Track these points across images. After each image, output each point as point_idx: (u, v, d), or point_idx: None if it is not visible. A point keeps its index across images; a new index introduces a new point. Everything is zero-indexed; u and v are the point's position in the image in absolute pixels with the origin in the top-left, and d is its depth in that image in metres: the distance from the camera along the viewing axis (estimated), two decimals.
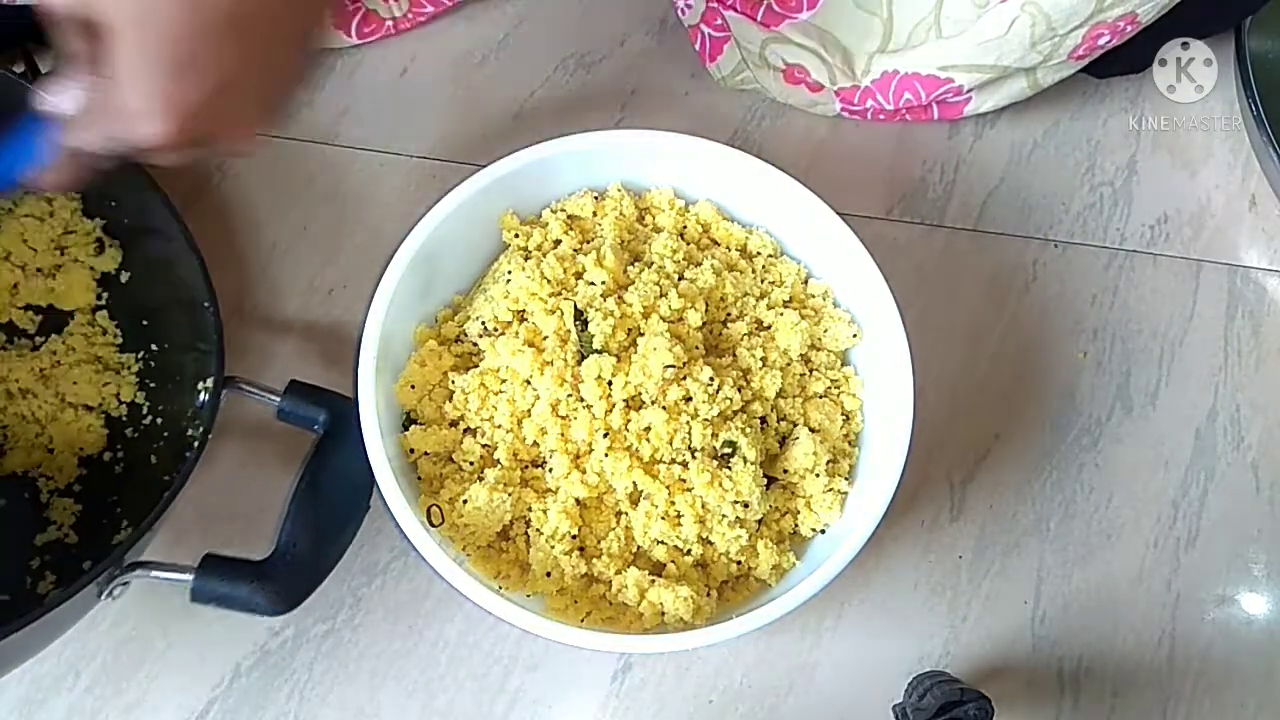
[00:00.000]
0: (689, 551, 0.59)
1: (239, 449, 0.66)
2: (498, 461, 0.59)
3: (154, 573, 0.54)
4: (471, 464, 0.60)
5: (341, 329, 0.68)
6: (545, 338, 0.59)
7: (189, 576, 0.54)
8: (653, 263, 0.62)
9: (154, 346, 0.63)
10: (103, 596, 0.54)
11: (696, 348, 0.61)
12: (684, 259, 0.63)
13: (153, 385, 0.63)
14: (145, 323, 0.64)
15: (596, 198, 0.65)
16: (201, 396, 0.59)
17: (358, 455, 0.57)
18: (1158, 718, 0.65)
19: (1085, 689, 0.65)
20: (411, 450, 0.60)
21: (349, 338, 0.67)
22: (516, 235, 0.64)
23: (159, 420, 0.62)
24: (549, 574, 0.58)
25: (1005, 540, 0.68)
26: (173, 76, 0.44)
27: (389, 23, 0.75)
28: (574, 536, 0.58)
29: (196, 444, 0.57)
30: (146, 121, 0.45)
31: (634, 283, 0.61)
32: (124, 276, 0.64)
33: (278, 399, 0.60)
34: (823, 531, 0.61)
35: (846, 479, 0.61)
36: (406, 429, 0.60)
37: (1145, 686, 0.65)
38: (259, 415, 0.61)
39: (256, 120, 0.49)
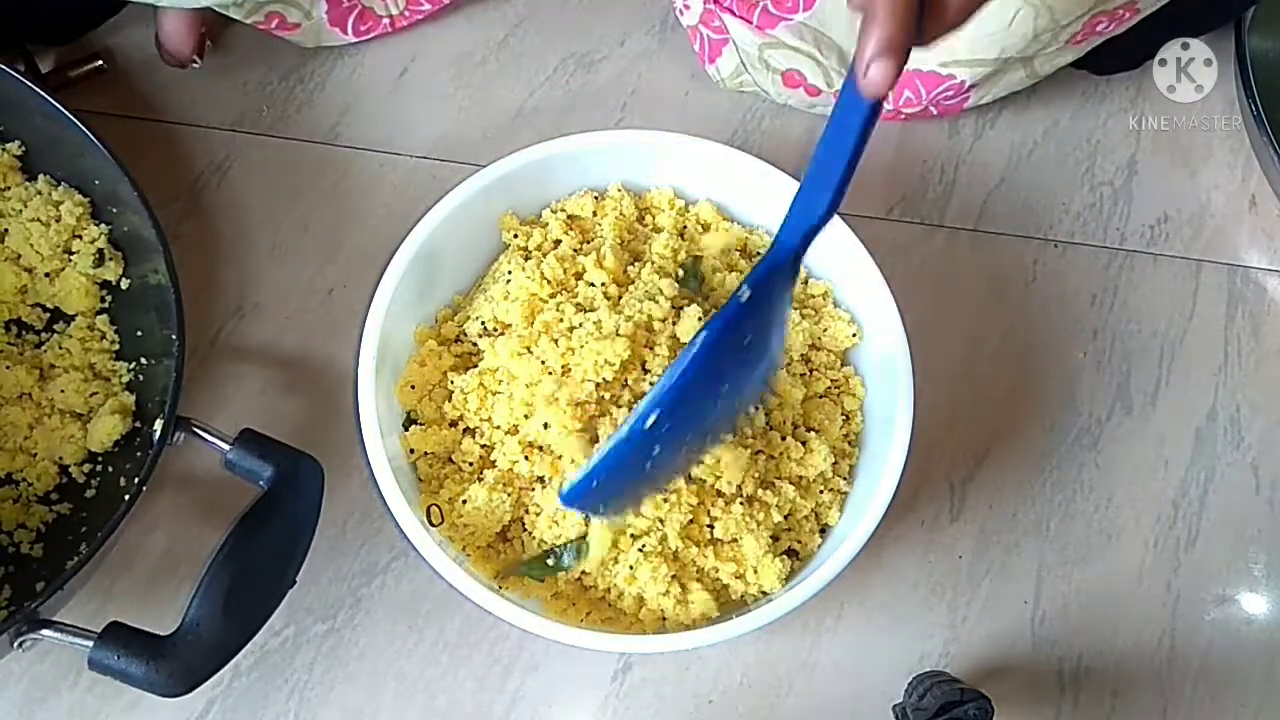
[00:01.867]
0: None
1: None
2: (495, 462, 0.59)
3: (58, 635, 0.51)
4: (471, 464, 0.60)
5: (339, 333, 0.68)
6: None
7: (89, 644, 0.51)
8: (653, 262, 0.62)
9: (143, 360, 0.62)
10: (15, 647, 0.52)
11: None
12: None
13: (137, 400, 0.61)
14: (139, 333, 0.63)
15: (596, 198, 0.65)
16: (155, 435, 0.56)
17: (294, 521, 0.54)
18: (1157, 718, 0.65)
19: (1085, 689, 0.65)
20: (411, 450, 0.60)
21: (347, 341, 0.67)
22: (516, 235, 0.64)
23: (137, 439, 0.60)
24: None
25: (1005, 540, 0.68)
26: None
27: (385, 20, 0.74)
28: None
29: (128, 496, 0.54)
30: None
31: (634, 283, 0.61)
32: (124, 284, 0.64)
33: (227, 447, 0.56)
34: (823, 532, 0.61)
35: (846, 479, 0.61)
36: (406, 429, 0.60)
37: (1145, 686, 0.65)
38: (215, 460, 0.57)
39: None
